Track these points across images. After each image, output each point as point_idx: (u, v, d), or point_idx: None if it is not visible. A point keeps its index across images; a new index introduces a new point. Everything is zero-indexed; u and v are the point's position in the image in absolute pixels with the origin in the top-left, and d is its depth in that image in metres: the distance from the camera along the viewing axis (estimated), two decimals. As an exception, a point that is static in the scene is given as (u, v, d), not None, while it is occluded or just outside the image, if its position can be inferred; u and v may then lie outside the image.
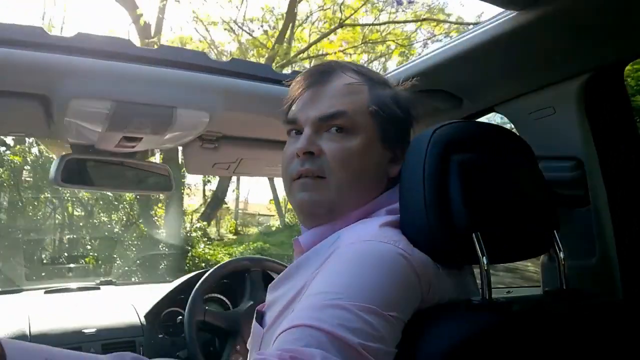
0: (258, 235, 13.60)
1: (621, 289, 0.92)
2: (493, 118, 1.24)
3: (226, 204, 15.60)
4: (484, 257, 0.64)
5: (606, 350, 0.72)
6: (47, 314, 1.62)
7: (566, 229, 0.98)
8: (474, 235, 0.65)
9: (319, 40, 9.10)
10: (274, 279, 0.82)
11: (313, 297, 0.59)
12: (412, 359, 0.58)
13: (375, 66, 9.66)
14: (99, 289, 2.00)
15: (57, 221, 7.46)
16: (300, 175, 0.78)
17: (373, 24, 8.88)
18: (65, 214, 7.49)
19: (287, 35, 8.99)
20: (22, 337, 1.48)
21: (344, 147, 0.76)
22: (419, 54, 1.09)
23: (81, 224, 7.56)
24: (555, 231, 0.77)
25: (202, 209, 11.42)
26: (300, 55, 9.13)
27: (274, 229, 14.61)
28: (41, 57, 0.90)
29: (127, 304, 1.76)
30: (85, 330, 1.56)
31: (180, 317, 1.66)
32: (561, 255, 0.76)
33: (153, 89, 1.01)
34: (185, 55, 1.06)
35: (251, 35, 9.63)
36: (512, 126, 1.09)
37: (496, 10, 0.85)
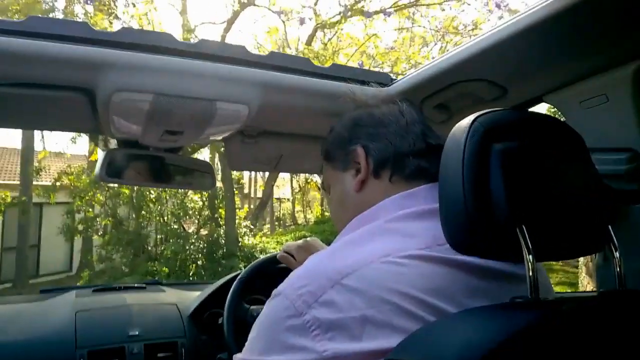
0: (313, 225, 14.86)
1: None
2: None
3: (317, 189, 16.91)
4: (530, 255, 0.60)
5: None
6: (94, 312, 1.67)
7: (622, 227, 0.92)
8: (517, 229, 0.61)
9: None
10: None
11: None
12: None
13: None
14: (144, 288, 2.04)
15: (155, 227, 10.81)
16: None
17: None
18: (161, 220, 10.65)
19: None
20: (68, 334, 1.53)
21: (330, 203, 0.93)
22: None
23: (169, 227, 10.48)
24: (610, 227, 0.72)
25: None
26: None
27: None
28: (85, 50, 0.92)
29: (171, 304, 1.79)
30: (129, 331, 1.60)
31: (222, 318, 1.66)
32: (617, 253, 0.71)
33: (194, 82, 1.03)
34: (225, 49, 1.07)
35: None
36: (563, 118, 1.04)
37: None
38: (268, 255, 1.54)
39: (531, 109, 1.13)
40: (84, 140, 10.03)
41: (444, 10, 9.23)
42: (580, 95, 0.97)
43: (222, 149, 7.80)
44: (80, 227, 10.27)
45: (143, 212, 10.28)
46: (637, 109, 0.89)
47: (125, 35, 0.98)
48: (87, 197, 9.98)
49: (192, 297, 1.82)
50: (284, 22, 9.53)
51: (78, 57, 0.92)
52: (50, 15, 7.55)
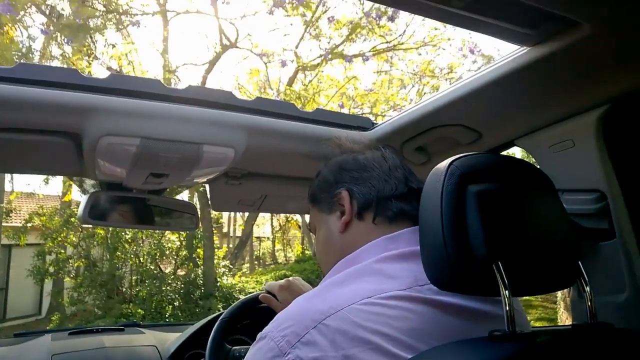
0: (293, 264, 14.67)
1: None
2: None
3: (298, 227, 16.67)
4: (507, 290, 0.63)
5: None
6: (71, 356, 1.61)
7: (593, 263, 0.96)
8: (494, 266, 0.64)
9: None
10: None
11: None
12: None
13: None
14: (123, 330, 1.99)
15: (130, 267, 10.56)
16: None
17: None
18: (137, 261, 10.36)
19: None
20: None
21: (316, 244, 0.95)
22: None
23: (144, 268, 10.17)
24: (580, 263, 0.75)
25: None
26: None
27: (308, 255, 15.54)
28: (74, 96, 0.94)
29: (151, 346, 1.75)
30: None
31: (203, 359, 1.63)
32: (587, 288, 0.74)
33: (181, 126, 1.05)
34: (212, 94, 1.11)
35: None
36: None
37: (510, 47, 0.88)
38: (250, 295, 1.52)
39: (504, 153, 1.18)
40: (56, 181, 9.84)
41: (420, 54, 9.54)
42: (549, 140, 1.03)
43: (202, 188, 7.75)
44: (51, 269, 9.98)
45: (118, 252, 10.10)
46: (601, 152, 0.94)
47: (113, 81, 1.00)
48: (59, 239, 9.76)
49: (171, 339, 1.77)
50: (265, 64, 9.69)
51: (66, 102, 0.94)
52: (28, 57, 7.52)
